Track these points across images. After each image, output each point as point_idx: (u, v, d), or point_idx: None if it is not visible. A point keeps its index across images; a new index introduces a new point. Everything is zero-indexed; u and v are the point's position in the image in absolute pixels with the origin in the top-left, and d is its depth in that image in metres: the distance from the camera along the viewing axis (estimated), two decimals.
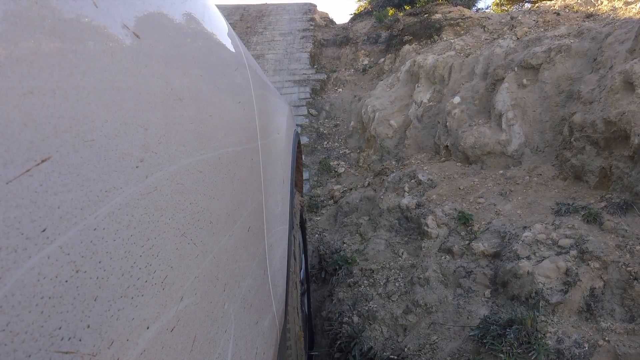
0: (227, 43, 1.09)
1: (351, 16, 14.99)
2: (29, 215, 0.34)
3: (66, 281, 0.37)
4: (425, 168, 5.53)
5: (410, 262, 4.04)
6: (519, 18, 7.73)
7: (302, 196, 3.14)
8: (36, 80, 0.36)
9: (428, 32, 9.10)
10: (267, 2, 15.11)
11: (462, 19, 8.95)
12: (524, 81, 5.51)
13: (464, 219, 4.07)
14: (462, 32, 8.62)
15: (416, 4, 12.24)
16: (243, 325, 0.88)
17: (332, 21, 14.46)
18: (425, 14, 10.23)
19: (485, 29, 8.16)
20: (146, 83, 0.54)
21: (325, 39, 12.23)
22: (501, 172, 4.97)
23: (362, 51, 10.89)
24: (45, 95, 0.36)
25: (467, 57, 6.94)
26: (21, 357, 0.32)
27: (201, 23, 0.88)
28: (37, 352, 0.33)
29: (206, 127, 0.75)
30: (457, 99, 6.09)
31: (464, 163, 5.53)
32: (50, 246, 0.35)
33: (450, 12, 9.77)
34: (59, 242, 0.36)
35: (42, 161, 0.35)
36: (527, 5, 13.06)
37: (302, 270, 2.63)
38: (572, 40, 5.57)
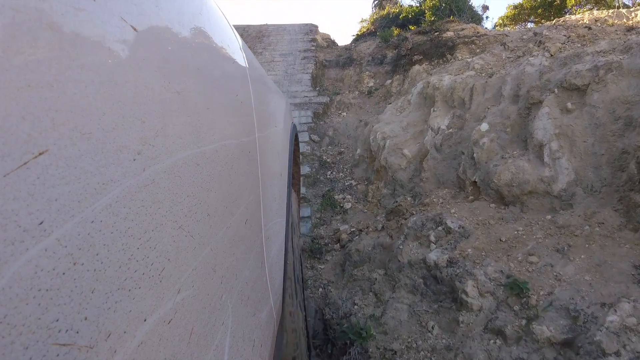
0: (225, 36, 1.08)
1: (353, 37, 14.64)
2: (27, 208, 0.34)
3: (63, 274, 0.37)
4: (452, 211, 4.50)
5: (444, 341, 3.13)
6: (545, 33, 7.12)
7: (298, 194, 3.04)
8: (34, 74, 0.36)
9: (440, 51, 8.48)
10: (268, 23, 14.84)
11: (477, 36, 8.35)
12: (569, 105, 4.66)
13: (517, 288, 3.12)
14: (478, 50, 7.97)
15: (421, 23, 11.71)
16: (240, 317, 0.88)
17: (334, 42, 14.15)
18: (436, 32, 9.63)
19: (506, 46, 7.45)
20: (143, 76, 0.54)
21: (328, 60, 11.77)
22: (549, 217, 3.99)
23: (367, 72, 10.29)
24: (43, 89, 0.36)
25: (490, 77, 6.09)
26: (19, 349, 0.32)
27: (199, 16, 0.88)
28: (34, 344, 0.34)
29: (203, 120, 0.75)
30: (484, 126, 5.22)
31: (499, 204, 4.56)
32: (47, 239, 0.35)
33: (463, 29, 9.21)
34: (56, 235, 0.36)
35: (40, 154, 0.35)
36: (530, 25, 12.59)
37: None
38: (620, 57, 4.71)
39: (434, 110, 6.31)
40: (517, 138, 5.00)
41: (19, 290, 0.32)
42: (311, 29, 14.48)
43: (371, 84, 9.85)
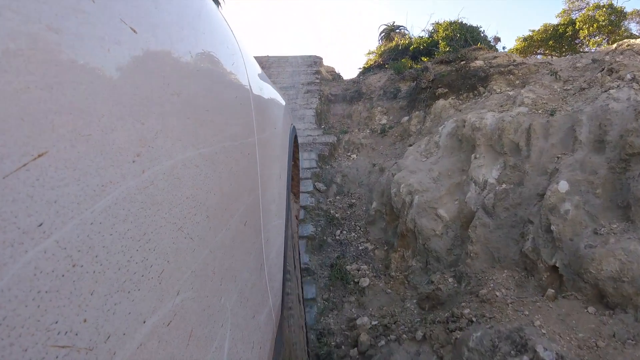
0: (224, 37, 1.08)
1: (360, 70, 13.77)
2: (26, 209, 0.34)
3: (63, 275, 0.37)
4: (537, 322, 2.99)
5: None
6: (612, 59, 5.95)
7: (298, 197, 2.94)
8: (33, 75, 0.36)
9: (469, 83, 7.44)
10: (269, 55, 14.20)
11: (514, 65, 7.41)
12: None
13: None
14: (517, 81, 6.93)
15: (434, 55, 10.89)
16: (240, 319, 0.88)
17: (339, 75, 13.36)
18: (462, 60, 8.69)
19: (557, 76, 6.32)
20: (143, 78, 0.54)
21: (334, 94, 10.78)
22: None
23: (379, 108, 9.30)
24: (42, 90, 0.36)
25: (551, 115, 4.88)
26: (18, 351, 0.32)
27: (198, 16, 0.88)
28: (33, 346, 0.34)
29: (203, 121, 0.75)
30: (563, 186, 3.82)
31: (598, 305, 3.13)
32: (46, 240, 0.35)
33: (495, 57, 8.28)
34: (55, 237, 0.36)
35: (39, 156, 0.35)
36: (539, 57, 11.98)
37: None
38: None
39: (475, 157, 5.10)
40: (612, 203, 3.64)
41: (18, 292, 0.32)
42: (315, 61, 13.61)
43: (384, 121, 8.88)
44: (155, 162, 0.55)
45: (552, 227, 3.64)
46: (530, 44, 13.32)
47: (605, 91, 4.89)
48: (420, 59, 10.83)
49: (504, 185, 4.61)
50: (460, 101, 7.22)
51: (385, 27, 16.60)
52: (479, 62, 8.15)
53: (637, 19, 11.98)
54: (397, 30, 16.26)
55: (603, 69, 5.75)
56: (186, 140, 0.66)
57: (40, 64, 0.37)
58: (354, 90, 10.60)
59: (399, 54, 12.56)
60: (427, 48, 11.85)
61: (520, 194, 4.36)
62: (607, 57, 6.29)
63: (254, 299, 1.02)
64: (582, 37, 10.92)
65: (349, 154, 8.07)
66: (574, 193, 3.75)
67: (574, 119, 4.59)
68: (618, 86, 4.91)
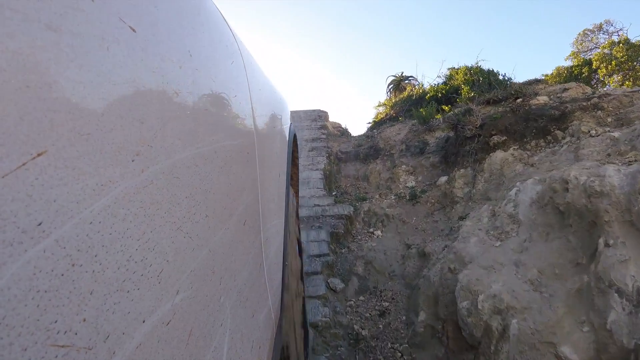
0: (224, 36, 1.08)
1: (369, 124, 12.73)
2: (25, 209, 0.34)
3: (62, 275, 0.37)
4: None
5: None
6: None
7: (297, 197, 2.89)
8: (32, 74, 0.36)
9: (536, 126, 5.74)
10: None
11: (597, 98, 5.78)
12: None
13: None
14: (609, 118, 5.29)
15: (456, 101, 9.57)
16: (239, 318, 0.88)
17: (346, 131, 11.96)
18: (516, 98, 7.14)
19: None
20: (142, 77, 0.54)
21: (344, 151, 9.16)
22: None
23: (403, 167, 7.59)
24: (41, 89, 0.36)
25: None
26: (17, 350, 0.32)
27: (197, 15, 0.88)
28: (33, 345, 0.34)
29: (202, 120, 0.75)
30: None
31: None
32: (46, 240, 0.35)
33: (565, 90, 6.76)
34: (54, 236, 0.36)
35: (38, 155, 0.35)
36: (609, 87, 10.83)
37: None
38: None
39: (608, 245, 2.98)
40: None
41: (17, 292, 0.32)
42: (320, 115, 12.37)
43: (411, 182, 7.16)
44: (155, 161, 0.55)
45: None
46: None
47: None
48: (441, 108, 9.08)
49: None
50: (528, 152, 5.49)
51: (394, 77, 15.69)
52: (542, 99, 6.57)
53: None
54: (407, 81, 15.31)
55: None
56: (185, 139, 0.66)
57: (40, 63, 0.37)
58: (369, 146, 8.97)
59: (412, 105, 11.11)
60: (445, 95, 10.46)
61: None
62: None
63: (253, 298, 1.02)
64: (601, 76, 10.60)
65: (371, 229, 6.03)
66: None
67: None
68: None
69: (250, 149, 1.11)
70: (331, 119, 12.54)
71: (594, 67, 11.04)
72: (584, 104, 5.70)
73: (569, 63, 12.96)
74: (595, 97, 5.85)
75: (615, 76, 10.58)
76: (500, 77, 10.26)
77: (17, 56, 0.35)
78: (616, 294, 2.67)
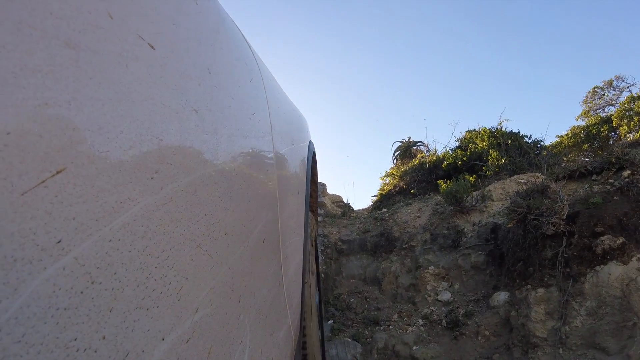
0: (243, 54, 1.09)
1: (375, 198, 11.13)
2: (44, 226, 0.34)
3: (81, 292, 0.37)
4: None
5: None
6: None
7: (316, 218, 2.86)
8: (51, 92, 0.36)
9: None
10: None
11: None
12: None
13: None
14: None
15: (483, 170, 8.19)
16: (258, 336, 0.87)
17: (348, 206, 9.97)
18: (621, 167, 4.68)
19: None
20: (161, 94, 0.55)
21: (345, 239, 6.70)
22: None
23: (431, 268, 5.36)
24: (61, 107, 0.37)
25: None
26: None
27: (216, 33, 0.88)
28: None
29: (221, 138, 0.75)
30: None
31: None
32: (65, 257, 0.35)
33: None
34: (74, 254, 0.36)
35: (57, 172, 0.35)
36: None
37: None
38: None
39: None
40: None
41: (37, 309, 0.32)
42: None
43: (446, 295, 4.95)
44: (174, 179, 0.55)
45: None
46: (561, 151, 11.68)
47: None
48: (464, 178, 7.05)
49: None
50: None
51: (400, 144, 14.09)
52: None
53: None
54: (415, 147, 13.64)
55: None
56: (204, 156, 0.67)
57: (58, 80, 0.37)
58: (379, 233, 6.58)
59: (426, 175, 9.54)
60: (467, 163, 8.84)
61: None
62: None
63: (273, 316, 1.02)
64: (622, 134, 10.02)
65: None
66: None
67: None
68: None
69: (270, 167, 1.11)
70: (330, 190, 10.33)
71: (614, 124, 9.95)
72: None
73: (581, 122, 12.14)
74: None
75: (636, 133, 10.06)
76: (527, 140, 9.04)
77: (36, 73, 0.35)
78: None
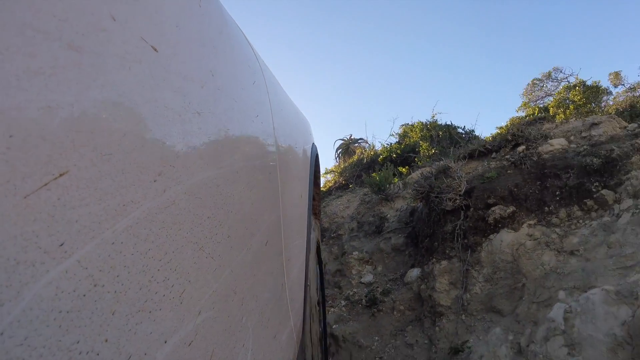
0: (246, 56, 1.09)
1: None
2: (47, 229, 0.34)
3: (84, 295, 0.37)
4: None
5: None
6: None
7: (319, 219, 2.90)
8: (54, 94, 0.36)
9: (566, 185, 4.01)
10: None
11: None
12: None
13: None
14: None
15: (415, 161, 8.68)
16: (261, 339, 0.87)
17: None
18: (517, 144, 5.25)
19: None
20: (164, 97, 0.55)
21: None
22: None
23: (356, 253, 5.69)
24: (63, 109, 0.37)
25: None
26: None
27: (219, 35, 0.88)
28: None
29: (224, 141, 0.76)
30: None
31: None
32: (68, 260, 0.35)
33: (595, 124, 4.98)
34: (76, 257, 0.36)
35: (60, 175, 0.35)
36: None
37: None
38: None
39: None
40: None
41: (39, 312, 0.32)
42: None
43: (369, 277, 5.22)
44: (177, 181, 0.55)
45: None
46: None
47: None
48: (397, 171, 7.82)
49: None
50: (556, 229, 3.72)
51: (342, 141, 14.71)
52: (558, 142, 4.82)
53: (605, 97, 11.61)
54: (356, 144, 14.35)
55: None
56: (207, 159, 0.67)
57: (62, 83, 0.37)
58: None
59: (364, 169, 9.86)
60: (401, 155, 9.54)
61: None
62: None
63: (275, 318, 1.02)
64: (559, 122, 10.37)
65: None
66: None
67: None
68: None
69: (272, 169, 1.11)
70: None
71: (551, 113, 10.53)
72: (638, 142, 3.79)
73: (522, 113, 12.74)
74: None
75: (574, 119, 10.37)
76: (460, 131, 9.52)
77: (39, 76, 0.35)
78: None
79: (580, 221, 3.62)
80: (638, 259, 2.64)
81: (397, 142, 10.68)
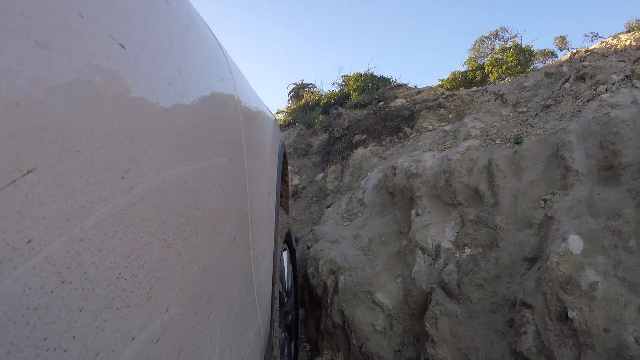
0: (213, 53, 1.09)
1: None
2: (15, 226, 0.34)
3: (52, 292, 0.37)
4: None
5: None
6: (574, 67, 4.90)
7: (287, 213, 3.00)
8: (21, 92, 0.36)
9: (392, 125, 6.45)
10: None
11: (443, 98, 6.47)
12: None
13: None
14: (450, 115, 5.98)
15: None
16: (228, 335, 0.87)
17: None
18: (379, 101, 7.77)
19: (503, 99, 5.01)
20: (131, 94, 0.54)
21: None
22: None
23: (290, 167, 7.80)
24: (31, 107, 0.37)
25: (517, 144, 3.53)
26: None
27: (187, 32, 0.88)
28: None
29: (192, 138, 0.75)
30: (576, 243, 2.47)
31: None
32: (35, 257, 0.35)
33: (419, 92, 7.50)
34: (44, 253, 0.36)
35: (28, 172, 0.35)
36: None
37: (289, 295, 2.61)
38: None
39: (417, 214, 3.68)
40: None
41: (7, 309, 0.32)
42: None
43: (296, 181, 7.57)
44: (144, 178, 0.55)
45: (571, 313, 2.25)
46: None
47: (590, 100, 3.65)
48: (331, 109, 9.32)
49: (467, 251, 3.17)
50: (383, 147, 6.20)
51: (294, 85, 15.97)
52: (400, 101, 7.22)
53: (542, 59, 12.22)
54: (307, 89, 15.52)
55: (567, 79, 4.62)
56: (175, 156, 0.66)
57: (29, 80, 0.37)
58: None
59: (309, 111, 11.18)
60: (338, 101, 10.79)
61: (496, 261, 2.93)
62: (565, 67, 5.33)
63: (243, 315, 1.02)
64: (493, 80, 10.89)
65: None
66: (596, 252, 2.41)
67: (556, 143, 3.24)
68: (608, 90, 3.61)
69: (240, 166, 1.11)
70: None
71: (486, 71, 11.50)
72: (430, 104, 6.45)
73: (465, 68, 13.41)
74: (441, 97, 6.58)
75: (507, 79, 10.95)
76: (392, 83, 10.67)
77: (7, 73, 0.35)
78: (420, 251, 3.44)
79: (395, 143, 6.12)
80: (425, 149, 4.82)
81: (339, 90, 12.12)
